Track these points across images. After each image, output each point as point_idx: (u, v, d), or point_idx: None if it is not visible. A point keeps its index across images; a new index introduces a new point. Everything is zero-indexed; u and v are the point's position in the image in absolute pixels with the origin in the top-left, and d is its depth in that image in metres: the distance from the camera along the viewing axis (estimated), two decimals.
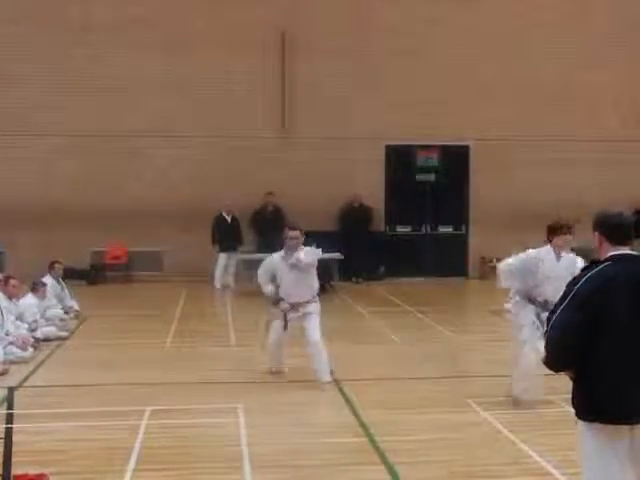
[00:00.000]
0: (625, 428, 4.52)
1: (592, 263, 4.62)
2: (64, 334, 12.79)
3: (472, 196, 20.69)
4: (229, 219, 19.01)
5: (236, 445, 7.38)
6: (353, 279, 19.64)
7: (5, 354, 10.59)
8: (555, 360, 4.59)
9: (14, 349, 10.90)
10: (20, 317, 12.09)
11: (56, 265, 14.63)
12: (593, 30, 20.38)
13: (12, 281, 12.26)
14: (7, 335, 11.04)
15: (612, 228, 4.66)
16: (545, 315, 6.27)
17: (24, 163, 19.23)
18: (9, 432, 7.76)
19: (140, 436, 7.62)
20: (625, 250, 4.63)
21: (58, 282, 14.60)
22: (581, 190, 19.79)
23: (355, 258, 19.23)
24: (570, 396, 4.69)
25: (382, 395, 9.18)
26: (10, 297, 12.06)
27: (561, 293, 4.62)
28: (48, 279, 14.02)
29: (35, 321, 12.40)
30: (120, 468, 6.80)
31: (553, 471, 6.71)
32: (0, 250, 18.93)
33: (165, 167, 19.61)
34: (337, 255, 18.24)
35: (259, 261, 19.95)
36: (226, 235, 18.66)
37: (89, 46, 19.35)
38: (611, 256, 4.59)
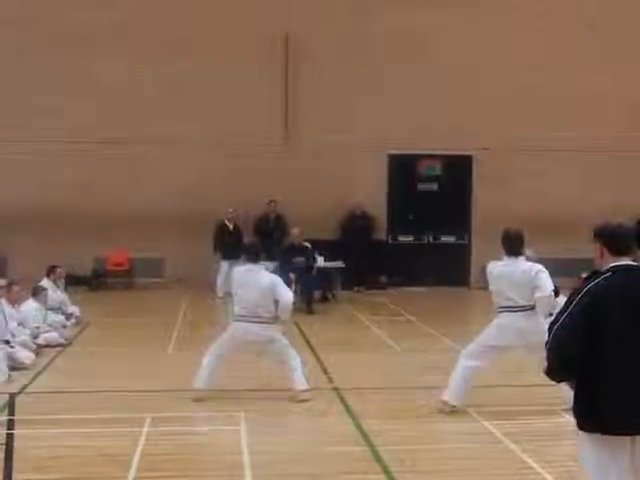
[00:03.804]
0: (626, 439, 4.52)
1: (593, 274, 4.62)
2: (65, 340, 12.79)
3: (474, 206, 20.68)
4: (231, 227, 19.01)
5: (237, 453, 7.37)
6: (355, 288, 19.59)
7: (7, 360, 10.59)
8: (556, 371, 4.59)
9: (16, 355, 10.89)
10: (22, 323, 12.08)
11: (58, 270, 14.65)
12: (594, 37, 20.37)
13: (14, 287, 12.28)
14: (8, 341, 11.03)
15: (613, 239, 4.66)
16: None
17: (25, 169, 19.23)
18: (10, 438, 7.76)
19: (141, 443, 7.62)
20: (626, 261, 4.64)
21: (57, 286, 14.60)
22: (584, 199, 19.77)
23: (357, 267, 19.18)
24: (571, 406, 4.69)
25: (383, 404, 9.18)
26: (12, 303, 12.06)
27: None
28: (46, 283, 14.01)
29: (37, 327, 12.39)
30: (121, 475, 6.80)
31: None
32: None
33: (167, 173, 19.60)
34: (339, 264, 18.26)
35: None
36: (228, 243, 18.65)
37: (89, 51, 19.34)
38: (612, 267, 4.60)
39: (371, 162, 20.19)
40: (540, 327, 8.19)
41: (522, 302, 8.60)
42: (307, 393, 9.28)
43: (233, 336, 9.40)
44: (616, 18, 20.49)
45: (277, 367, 9.64)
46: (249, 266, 9.43)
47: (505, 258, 8.75)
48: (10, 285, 12.29)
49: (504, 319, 8.72)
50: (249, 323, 9.24)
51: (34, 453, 7.36)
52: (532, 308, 8.62)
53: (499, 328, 8.75)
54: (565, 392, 7.88)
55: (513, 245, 8.72)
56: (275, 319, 9.29)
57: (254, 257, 9.45)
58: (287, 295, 9.23)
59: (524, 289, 8.58)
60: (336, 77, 19.82)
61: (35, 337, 12.03)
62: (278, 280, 9.38)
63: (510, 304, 8.66)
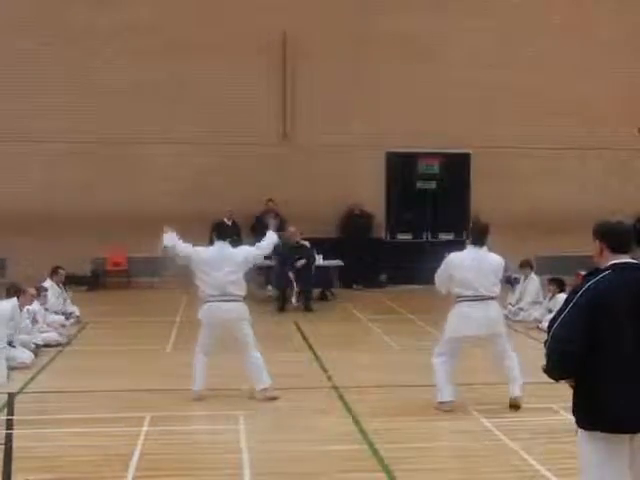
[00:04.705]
0: (625, 437, 4.52)
1: (593, 272, 4.62)
2: (64, 340, 12.79)
3: (473, 204, 20.68)
4: (229, 224, 18.98)
5: (236, 452, 7.37)
6: (353, 286, 19.62)
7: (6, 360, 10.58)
8: (555, 369, 4.60)
9: (15, 355, 10.88)
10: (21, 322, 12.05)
11: (60, 271, 14.66)
12: (594, 38, 20.42)
13: (30, 290, 12.09)
14: (10, 342, 11.03)
15: (613, 237, 4.67)
16: None
17: (25, 169, 19.24)
18: (9, 438, 7.76)
19: (140, 443, 7.62)
20: (626, 258, 4.64)
21: (59, 287, 14.62)
22: (582, 199, 19.79)
23: (355, 265, 19.22)
24: (571, 404, 4.69)
25: (382, 402, 9.19)
26: (23, 307, 11.95)
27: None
28: (48, 283, 14.02)
29: (36, 322, 12.37)
30: (120, 475, 6.80)
31: (553, 479, 6.71)
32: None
33: (166, 173, 19.61)
34: (338, 262, 18.27)
35: (258, 266, 19.76)
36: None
37: (90, 51, 19.38)
38: (612, 265, 4.60)
39: (369, 161, 20.22)
40: (499, 314, 8.84)
41: (484, 292, 8.77)
42: (274, 391, 9.25)
43: (208, 322, 9.26)
44: (615, 21, 20.51)
45: (269, 365, 9.53)
46: (219, 244, 9.40)
47: (469, 247, 9.08)
48: (25, 289, 12.09)
49: (461, 309, 8.86)
50: (220, 302, 9.14)
51: (33, 453, 7.36)
52: (491, 298, 8.79)
53: (458, 319, 8.85)
54: (564, 390, 7.93)
55: (479, 235, 9.01)
56: (245, 297, 9.31)
57: (224, 236, 9.42)
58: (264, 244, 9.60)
59: (489, 279, 8.77)
60: (334, 76, 19.83)
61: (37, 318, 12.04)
62: (250, 247, 9.63)
63: (471, 293, 8.78)
